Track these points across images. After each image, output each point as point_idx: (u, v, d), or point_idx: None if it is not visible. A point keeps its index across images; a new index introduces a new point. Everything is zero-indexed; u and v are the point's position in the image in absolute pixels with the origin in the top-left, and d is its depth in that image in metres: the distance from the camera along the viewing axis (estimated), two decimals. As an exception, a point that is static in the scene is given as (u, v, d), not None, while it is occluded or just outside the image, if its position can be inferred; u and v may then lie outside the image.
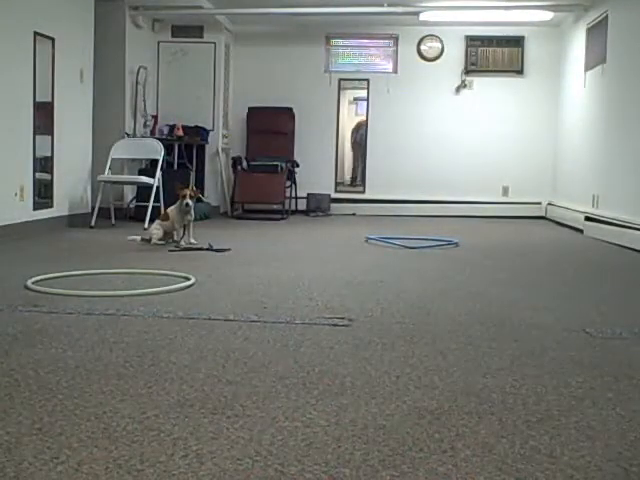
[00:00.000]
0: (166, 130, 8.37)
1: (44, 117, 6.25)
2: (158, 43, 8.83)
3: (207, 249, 5.11)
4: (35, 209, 6.12)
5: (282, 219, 8.31)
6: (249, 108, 9.15)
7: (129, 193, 7.87)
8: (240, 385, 2.03)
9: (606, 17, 7.14)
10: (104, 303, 3.14)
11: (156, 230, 5.40)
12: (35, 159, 6.11)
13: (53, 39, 6.28)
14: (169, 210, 5.46)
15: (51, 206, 6.42)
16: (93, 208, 6.92)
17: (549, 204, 9.02)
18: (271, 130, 9.07)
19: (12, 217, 5.73)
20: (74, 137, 6.86)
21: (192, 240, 5.36)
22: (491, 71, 9.13)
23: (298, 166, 8.97)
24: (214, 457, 1.52)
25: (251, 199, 8.73)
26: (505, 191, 9.24)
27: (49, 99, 6.33)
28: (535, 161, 9.14)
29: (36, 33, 5.99)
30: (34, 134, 6.06)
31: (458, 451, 1.58)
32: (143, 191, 7.23)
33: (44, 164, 6.34)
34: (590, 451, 1.60)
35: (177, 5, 8.14)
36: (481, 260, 5.10)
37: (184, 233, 5.38)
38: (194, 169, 8.38)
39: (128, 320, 2.83)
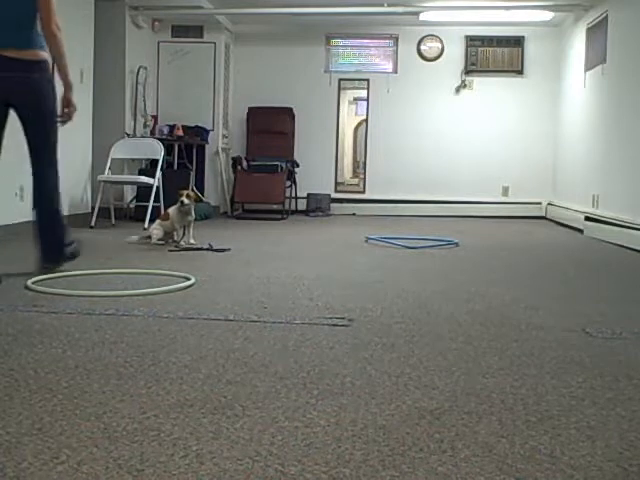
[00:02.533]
0: (166, 130, 8.37)
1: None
2: (158, 43, 8.83)
3: (207, 249, 5.11)
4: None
5: (282, 219, 8.32)
6: (249, 108, 9.15)
7: (129, 193, 7.87)
8: (240, 385, 2.03)
9: (606, 17, 7.14)
10: (104, 303, 3.14)
11: (156, 230, 5.39)
12: (35, 159, 6.09)
13: (53, 39, 6.27)
14: (170, 210, 5.46)
15: (51, 206, 6.41)
16: (93, 208, 6.91)
17: (549, 204, 9.02)
18: (271, 130, 9.08)
19: (12, 217, 5.73)
20: (74, 137, 6.85)
21: (192, 240, 5.36)
22: (491, 71, 9.13)
23: (298, 166, 8.97)
24: (214, 457, 1.52)
25: (251, 199, 8.73)
26: (505, 191, 9.24)
27: (49, 99, 6.32)
28: (535, 161, 9.14)
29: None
30: (34, 134, 6.05)
31: (458, 451, 1.58)
32: (143, 191, 7.23)
33: (44, 164, 6.32)
34: (590, 451, 1.60)
35: (177, 5, 8.15)
36: (481, 260, 5.10)
37: (184, 233, 5.38)
38: (194, 169, 8.38)
39: (128, 320, 2.83)
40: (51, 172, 3.90)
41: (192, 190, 5.47)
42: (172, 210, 5.40)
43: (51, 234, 3.89)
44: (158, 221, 5.49)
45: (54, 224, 3.89)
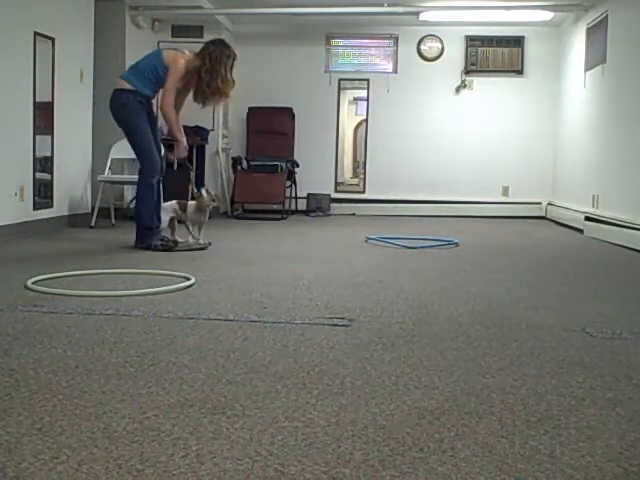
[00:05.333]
0: (166, 130, 8.35)
1: (44, 117, 6.24)
2: (158, 43, 8.81)
3: (197, 249, 5.12)
4: (35, 209, 6.12)
5: (282, 219, 8.31)
6: (249, 108, 9.15)
7: (129, 193, 7.87)
8: (240, 385, 2.03)
9: (606, 17, 7.14)
10: (104, 303, 3.14)
11: (164, 213, 5.24)
12: (35, 159, 6.11)
13: (53, 39, 6.28)
14: (190, 204, 5.38)
15: (51, 206, 6.42)
16: (93, 208, 6.91)
17: (549, 204, 9.02)
18: (271, 130, 9.07)
19: (12, 217, 5.73)
20: (74, 137, 6.86)
21: (201, 240, 5.32)
22: (491, 71, 9.12)
23: (298, 166, 8.97)
24: (214, 457, 1.52)
25: (251, 199, 8.73)
26: (505, 191, 9.24)
27: (49, 99, 6.33)
28: (535, 161, 9.14)
29: (36, 33, 5.99)
30: (34, 134, 6.06)
31: (458, 451, 1.58)
32: (143, 191, 7.21)
33: (44, 164, 6.34)
34: (590, 451, 1.60)
35: (177, 5, 8.15)
36: (481, 260, 5.10)
37: (200, 232, 5.36)
38: (194, 169, 8.37)
39: (128, 320, 2.83)
40: (138, 178, 5.34)
41: (206, 191, 5.41)
42: (191, 206, 5.34)
43: (135, 222, 5.23)
44: (175, 203, 5.35)
45: (135, 215, 5.27)
